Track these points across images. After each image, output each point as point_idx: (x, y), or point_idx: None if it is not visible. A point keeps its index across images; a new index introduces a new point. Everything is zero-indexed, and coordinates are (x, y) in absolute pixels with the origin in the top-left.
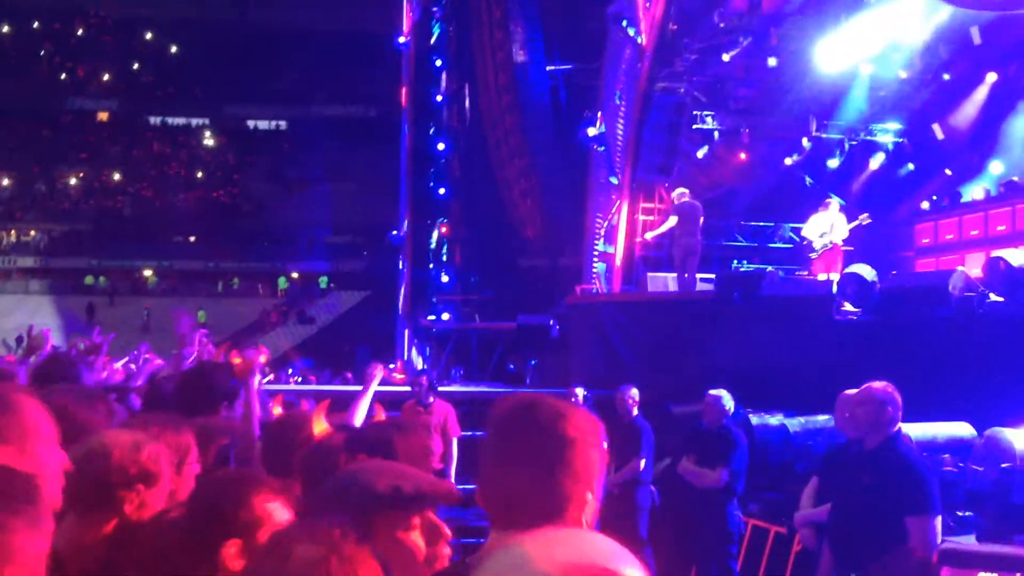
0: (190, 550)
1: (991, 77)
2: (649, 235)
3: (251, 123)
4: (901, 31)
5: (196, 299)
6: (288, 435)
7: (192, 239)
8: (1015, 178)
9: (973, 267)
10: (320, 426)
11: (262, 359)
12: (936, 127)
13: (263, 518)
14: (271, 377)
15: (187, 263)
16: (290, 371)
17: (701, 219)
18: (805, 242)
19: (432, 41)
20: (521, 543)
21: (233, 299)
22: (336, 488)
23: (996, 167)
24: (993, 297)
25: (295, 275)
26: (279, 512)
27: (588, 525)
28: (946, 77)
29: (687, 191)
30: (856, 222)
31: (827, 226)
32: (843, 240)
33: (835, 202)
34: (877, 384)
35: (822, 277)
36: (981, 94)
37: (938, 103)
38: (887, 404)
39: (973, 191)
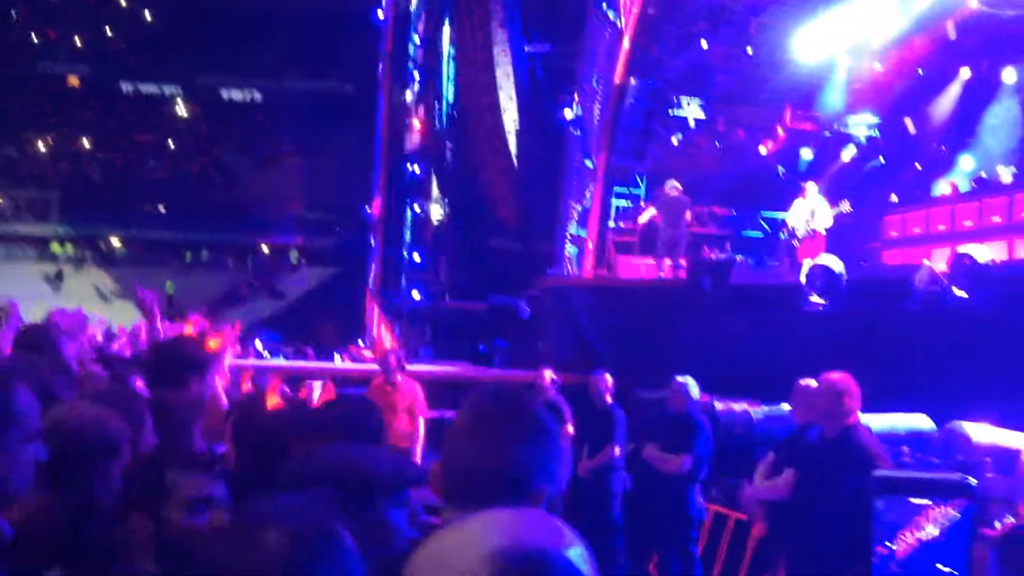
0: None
1: (965, 72)
2: (641, 218)
3: (225, 94)
4: (877, 24)
5: (164, 270)
6: (250, 414)
7: (162, 209)
8: (983, 174)
9: (939, 261)
10: (273, 400)
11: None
12: (908, 121)
13: (179, 487)
14: (238, 349)
15: (156, 233)
16: (259, 344)
17: (688, 213)
18: (788, 230)
19: (411, 17)
20: (467, 523)
21: (202, 271)
22: (322, 467)
23: (966, 162)
24: (957, 292)
25: (265, 248)
26: (198, 484)
27: (546, 506)
28: (920, 71)
29: (678, 185)
30: (836, 209)
31: (808, 213)
32: (826, 228)
33: (812, 187)
34: (835, 375)
35: (807, 265)
36: (954, 89)
37: (911, 97)
38: (845, 395)
39: (942, 185)
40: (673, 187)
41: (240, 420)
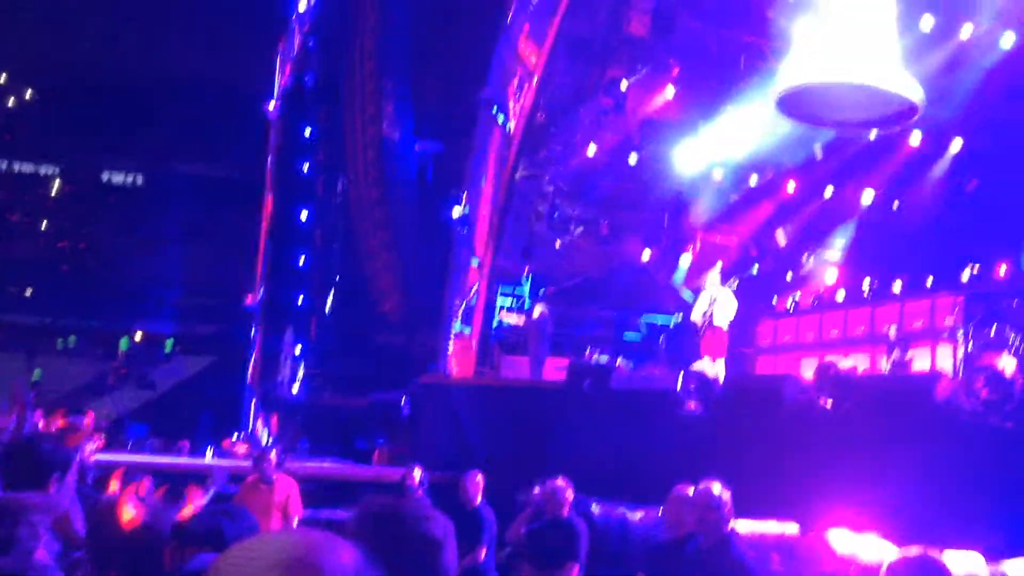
0: None
1: (829, 190)
2: (508, 320)
3: (105, 175)
4: (752, 141)
5: (29, 355)
6: (113, 520)
7: (29, 292)
8: (842, 291)
9: (807, 369)
10: (129, 513)
11: (90, 445)
12: (780, 233)
13: None
14: (98, 445)
15: (22, 317)
16: (125, 438)
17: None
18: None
19: (302, 110)
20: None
21: (70, 358)
22: None
23: (831, 275)
24: (823, 401)
25: (138, 336)
26: None
27: None
28: (791, 187)
29: (545, 307)
30: (727, 287)
31: (707, 303)
32: (729, 321)
33: (713, 276)
34: (711, 484)
35: (705, 361)
36: (820, 204)
37: (783, 210)
38: (722, 506)
39: (808, 297)
40: (542, 312)
41: (99, 527)
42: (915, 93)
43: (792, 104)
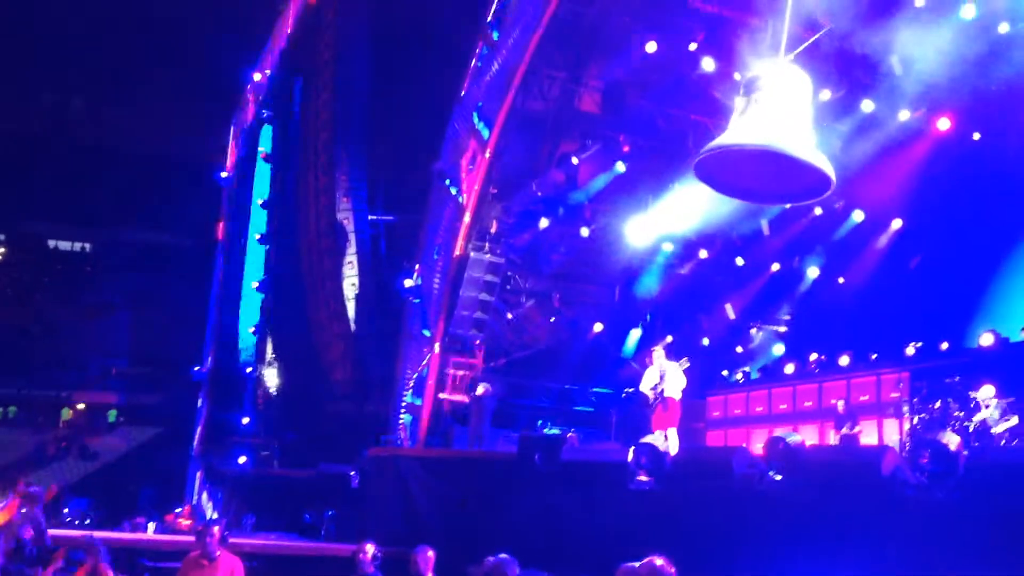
0: None
1: (775, 266)
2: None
3: (52, 243)
4: (701, 217)
5: None
6: None
7: None
8: (792, 365)
9: (757, 442)
10: None
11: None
12: (728, 307)
13: None
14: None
15: None
16: (65, 511)
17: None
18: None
19: (255, 179)
20: None
21: (9, 428)
22: None
23: (778, 348)
24: (772, 475)
25: (81, 406)
26: None
27: None
28: (740, 262)
29: (489, 385)
30: (679, 366)
31: (657, 377)
32: (681, 391)
33: (659, 351)
34: (657, 559)
35: (658, 435)
36: (767, 279)
37: (731, 284)
38: None
39: (757, 370)
40: (486, 388)
41: None
42: (826, 166)
43: (710, 171)
